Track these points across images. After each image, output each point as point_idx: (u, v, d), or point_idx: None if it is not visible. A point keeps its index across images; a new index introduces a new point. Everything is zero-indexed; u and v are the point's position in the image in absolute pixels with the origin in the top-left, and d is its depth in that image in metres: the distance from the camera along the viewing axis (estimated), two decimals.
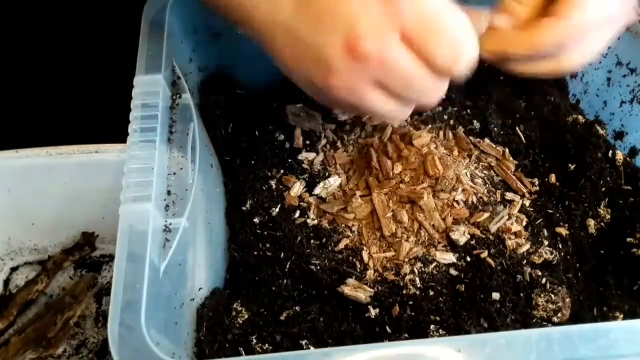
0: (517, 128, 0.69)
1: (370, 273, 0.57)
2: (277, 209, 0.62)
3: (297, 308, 0.55)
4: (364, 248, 0.59)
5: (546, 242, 0.60)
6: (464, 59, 0.43)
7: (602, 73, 0.71)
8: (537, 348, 0.41)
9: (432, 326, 0.53)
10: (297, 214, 0.62)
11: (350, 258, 0.59)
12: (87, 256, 0.73)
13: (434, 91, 0.45)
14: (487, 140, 0.68)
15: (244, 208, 0.62)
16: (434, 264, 0.58)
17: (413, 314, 0.54)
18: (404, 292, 0.56)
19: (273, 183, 0.64)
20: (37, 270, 0.71)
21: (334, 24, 0.42)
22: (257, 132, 0.67)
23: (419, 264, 0.58)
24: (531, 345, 0.41)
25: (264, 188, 0.63)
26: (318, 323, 0.54)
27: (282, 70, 0.47)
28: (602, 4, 0.45)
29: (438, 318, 0.54)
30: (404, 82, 0.43)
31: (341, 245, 0.59)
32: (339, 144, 0.67)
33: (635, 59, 0.67)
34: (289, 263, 0.57)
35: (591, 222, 0.61)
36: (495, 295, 0.55)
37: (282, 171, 0.65)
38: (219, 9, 0.49)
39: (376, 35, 0.41)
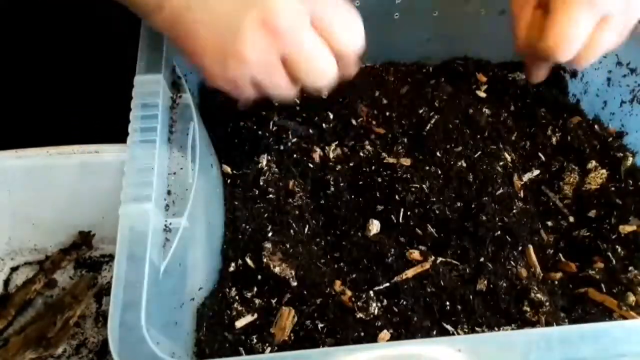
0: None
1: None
2: (278, 209, 0.62)
3: (297, 308, 0.55)
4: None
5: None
6: (358, 42, 0.50)
7: (602, 73, 0.71)
8: (537, 348, 0.41)
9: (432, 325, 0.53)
10: (298, 213, 0.62)
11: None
12: (85, 255, 0.73)
13: (329, 71, 0.51)
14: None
15: (244, 207, 0.62)
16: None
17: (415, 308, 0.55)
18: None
19: (273, 183, 0.64)
20: (36, 270, 0.71)
21: (251, 2, 0.46)
22: (257, 132, 0.67)
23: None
24: (531, 345, 0.41)
25: (265, 188, 0.63)
26: (318, 323, 0.54)
27: (189, 55, 0.50)
28: None
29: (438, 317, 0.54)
30: (307, 57, 0.49)
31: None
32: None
33: (635, 59, 0.67)
34: (289, 263, 0.57)
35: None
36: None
37: (282, 171, 0.65)
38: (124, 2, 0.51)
39: (290, 13, 0.47)
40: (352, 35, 0.50)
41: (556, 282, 0.58)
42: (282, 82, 0.50)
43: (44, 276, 0.69)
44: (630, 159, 0.65)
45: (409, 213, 0.61)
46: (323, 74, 0.51)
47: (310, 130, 0.67)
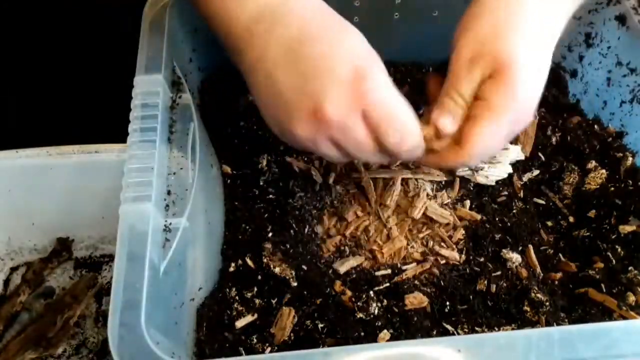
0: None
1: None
2: (278, 209, 0.62)
3: (297, 308, 0.55)
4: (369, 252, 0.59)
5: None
6: (407, 145, 0.49)
7: (602, 73, 0.71)
8: (537, 348, 0.41)
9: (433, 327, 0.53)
10: (298, 213, 0.62)
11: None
12: (85, 256, 0.73)
13: (378, 161, 0.52)
14: None
15: (244, 207, 0.62)
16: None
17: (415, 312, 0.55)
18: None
19: (273, 182, 0.64)
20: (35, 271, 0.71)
21: (309, 88, 0.47)
22: (257, 132, 0.67)
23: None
24: (531, 345, 0.41)
25: (265, 188, 0.63)
26: (318, 323, 0.54)
27: (256, 103, 0.52)
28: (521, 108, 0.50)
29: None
30: (355, 148, 0.49)
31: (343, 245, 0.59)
32: None
33: (635, 59, 0.67)
34: (289, 263, 0.57)
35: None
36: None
37: (282, 171, 0.65)
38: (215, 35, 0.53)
39: (341, 105, 0.47)
40: (396, 139, 0.49)
41: (556, 282, 0.58)
42: (329, 153, 0.50)
43: (27, 287, 0.68)
44: (630, 159, 0.65)
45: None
46: (369, 159, 0.51)
47: None
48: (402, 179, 0.63)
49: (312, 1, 0.50)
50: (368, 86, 0.47)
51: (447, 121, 0.51)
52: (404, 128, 0.49)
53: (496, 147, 0.52)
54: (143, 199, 0.48)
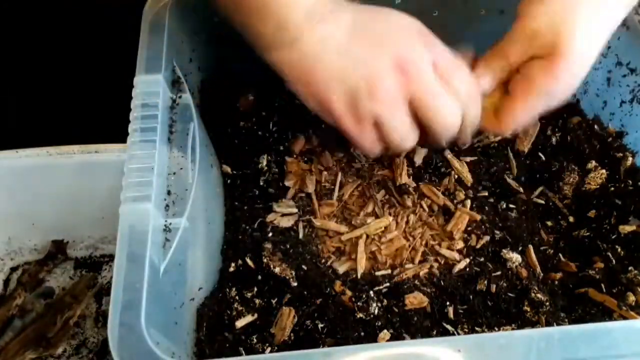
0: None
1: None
2: (278, 209, 0.62)
3: (297, 308, 0.55)
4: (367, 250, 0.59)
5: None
6: (452, 132, 0.53)
7: (602, 73, 0.71)
8: (537, 348, 0.41)
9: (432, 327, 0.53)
10: (297, 212, 0.62)
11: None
12: (86, 255, 0.73)
13: (454, 119, 0.53)
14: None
15: (244, 208, 0.62)
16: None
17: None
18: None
19: (273, 182, 0.64)
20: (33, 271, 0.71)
21: (385, 49, 0.50)
22: (257, 132, 0.67)
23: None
24: (531, 345, 0.41)
25: (265, 188, 0.63)
26: (318, 323, 0.54)
27: (313, 93, 0.52)
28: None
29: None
30: (435, 101, 0.51)
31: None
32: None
33: (635, 59, 0.67)
34: (289, 263, 0.57)
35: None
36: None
37: (282, 171, 0.65)
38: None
39: (417, 62, 0.50)
40: (467, 88, 0.53)
41: (556, 282, 0.58)
42: (405, 124, 0.52)
43: (23, 290, 0.68)
44: (630, 159, 0.65)
45: (411, 215, 0.61)
46: (448, 119, 0.52)
47: (311, 132, 0.67)
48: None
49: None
50: (417, 70, 0.50)
51: (487, 80, 0.55)
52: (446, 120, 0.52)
53: (529, 121, 0.57)
54: (143, 199, 0.48)
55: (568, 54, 0.51)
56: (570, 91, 0.54)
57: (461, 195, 0.63)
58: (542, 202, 0.65)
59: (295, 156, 0.65)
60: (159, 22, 0.60)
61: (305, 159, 0.66)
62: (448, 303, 0.55)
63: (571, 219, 0.63)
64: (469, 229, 0.61)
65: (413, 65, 0.50)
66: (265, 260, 0.57)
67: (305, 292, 0.56)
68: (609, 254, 0.58)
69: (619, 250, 0.58)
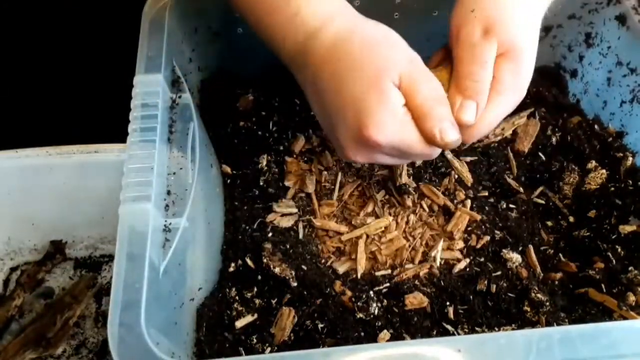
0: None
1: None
2: (278, 209, 0.62)
3: (297, 308, 0.55)
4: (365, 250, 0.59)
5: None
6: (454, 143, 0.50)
7: (602, 73, 0.71)
8: (537, 348, 0.41)
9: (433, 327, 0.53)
10: (297, 212, 0.62)
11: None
12: (85, 256, 0.73)
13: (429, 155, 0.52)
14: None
15: (243, 207, 0.62)
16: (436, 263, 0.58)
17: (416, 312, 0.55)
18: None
19: (273, 182, 0.64)
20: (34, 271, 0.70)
21: (354, 114, 0.48)
22: (257, 132, 0.67)
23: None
24: (531, 345, 0.41)
25: (265, 188, 0.63)
26: (318, 323, 0.54)
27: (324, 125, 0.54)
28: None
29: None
30: (406, 154, 0.50)
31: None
32: None
33: (635, 59, 0.67)
34: (289, 263, 0.57)
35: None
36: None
37: (282, 171, 0.65)
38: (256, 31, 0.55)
39: (387, 129, 0.47)
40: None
41: (556, 282, 0.58)
42: (395, 158, 0.52)
43: (22, 291, 0.68)
44: (630, 159, 0.65)
45: (411, 215, 0.61)
46: (419, 157, 0.54)
47: (311, 131, 0.67)
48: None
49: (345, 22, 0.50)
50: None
51: (472, 109, 0.50)
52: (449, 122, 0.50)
53: (498, 122, 0.53)
54: (143, 199, 0.48)
55: (525, 48, 0.50)
56: (529, 81, 0.52)
57: (461, 195, 0.63)
58: (542, 202, 0.65)
59: (295, 156, 0.65)
60: (159, 22, 0.60)
61: (305, 159, 0.66)
62: (448, 303, 0.55)
63: (571, 219, 0.63)
64: (469, 229, 0.61)
65: (379, 137, 0.47)
66: (265, 261, 0.57)
67: (305, 292, 0.56)
68: (609, 254, 0.58)
69: (619, 250, 0.58)
